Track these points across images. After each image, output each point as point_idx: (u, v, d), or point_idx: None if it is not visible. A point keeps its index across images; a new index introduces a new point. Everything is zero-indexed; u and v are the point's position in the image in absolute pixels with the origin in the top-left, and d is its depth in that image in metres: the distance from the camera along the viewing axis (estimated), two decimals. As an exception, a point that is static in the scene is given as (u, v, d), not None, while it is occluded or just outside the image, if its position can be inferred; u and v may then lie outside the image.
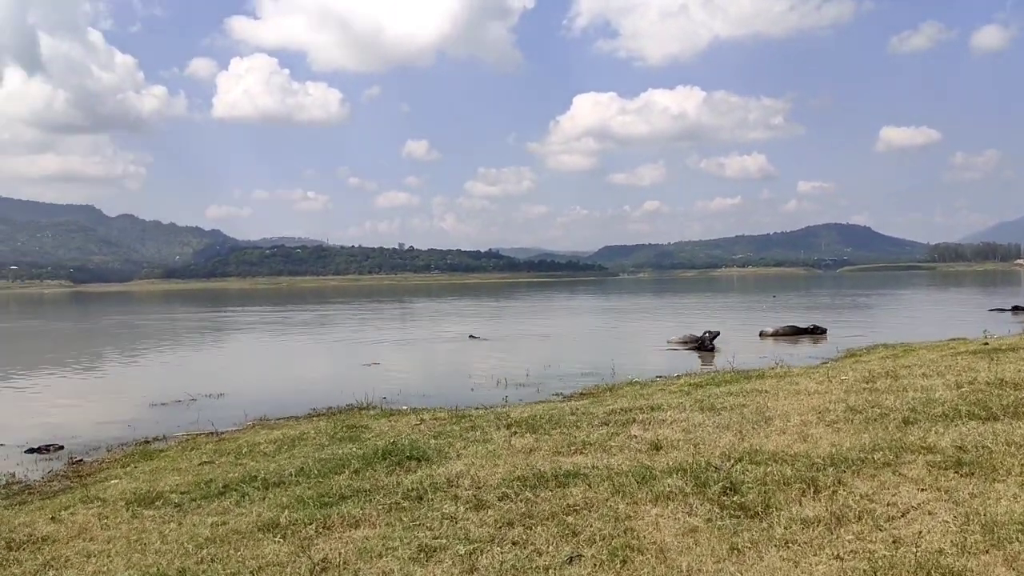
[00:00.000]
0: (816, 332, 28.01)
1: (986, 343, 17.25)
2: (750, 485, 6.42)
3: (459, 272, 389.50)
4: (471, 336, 30.74)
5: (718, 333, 24.68)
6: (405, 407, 13.64)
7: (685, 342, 25.14)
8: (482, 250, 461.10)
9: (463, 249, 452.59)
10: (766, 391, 11.86)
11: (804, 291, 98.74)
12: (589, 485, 6.84)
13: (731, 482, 6.46)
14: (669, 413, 10.32)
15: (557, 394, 15.33)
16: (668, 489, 6.46)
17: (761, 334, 28.50)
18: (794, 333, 28.04)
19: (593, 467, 7.43)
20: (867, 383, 11.81)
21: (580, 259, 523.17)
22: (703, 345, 23.88)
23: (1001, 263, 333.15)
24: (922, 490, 6.13)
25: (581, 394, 15.12)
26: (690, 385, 14.07)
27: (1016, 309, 37.54)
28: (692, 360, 21.28)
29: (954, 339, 21.02)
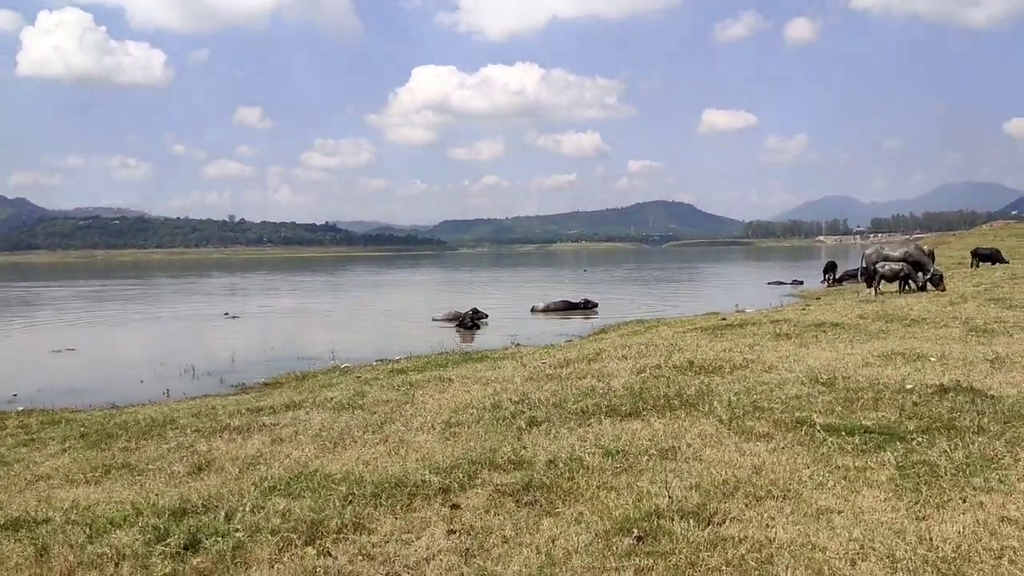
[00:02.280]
0: (587, 307, 27.43)
1: (724, 319, 16.76)
2: (231, 537, 4.57)
3: (294, 246, 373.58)
4: (226, 314, 27.80)
5: (486, 315, 23.32)
6: (19, 409, 10.94)
7: (449, 319, 23.57)
8: (318, 223, 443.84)
9: (299, 222, 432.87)
10: (450, 379, 10.29)
11: (622, 265, 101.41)
12: (34, 541, 4.76)
13: (193, 537, 4.57)
14: (301, 412, 8.47)
15: (238, 385, 13.10)
16: (110, 551, 4.50)
17: (532, 309, 27.48)
18: (566, 308, 27.16)
19: (72, 507, 5.37)
20: (559, 367, 10.53)
21: (419, 233, 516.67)
22: (463, 323, 22.42)
23: (805, 239, 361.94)
24: (452, 532, 4.54)
25: (265, 384, 13.01)
26: (390, 372, 12.33)
27: (795, 282, 39.14)
28: (446, 338, 19.63)
29: (709, 313, 20.69)
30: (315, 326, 26.05)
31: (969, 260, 34.89)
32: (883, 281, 21.73)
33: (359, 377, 12.22)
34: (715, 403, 7.26)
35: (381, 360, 14.95)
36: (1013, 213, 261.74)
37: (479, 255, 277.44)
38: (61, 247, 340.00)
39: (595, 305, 27.55)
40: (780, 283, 39.59)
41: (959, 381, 7.56)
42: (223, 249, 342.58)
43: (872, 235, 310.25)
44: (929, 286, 20.69)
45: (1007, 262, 33.54)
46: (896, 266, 21.28)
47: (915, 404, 6.87)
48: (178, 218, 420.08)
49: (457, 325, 22.48)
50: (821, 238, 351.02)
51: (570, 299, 28.09)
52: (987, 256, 34.17)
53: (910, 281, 21.04)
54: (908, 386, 7.55)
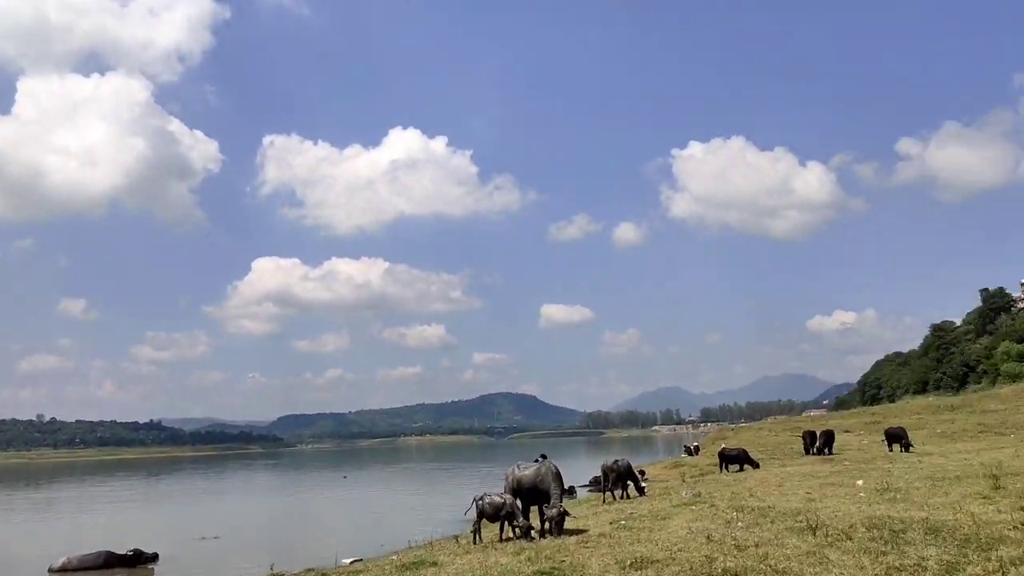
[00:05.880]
0: (137, 562, 21.24)
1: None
2: None
3: (111, 447, 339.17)
4: None
5: None
6: None
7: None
8: (141, 421, 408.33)
9: (119, 420, 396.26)
10: None
11: (419, 465, 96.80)
12: None
13: None
14: None
15: None
16: None
17: (50, 569, 20.74)
18: (100, 566, 20.66)
19: None
20: None
21: (256, 429, 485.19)
22: None
23: (642, 429, 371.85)
24: None
25: None
26: None
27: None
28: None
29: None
30: None
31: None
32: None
33: None
34: None
35: None
36: (824, 402, 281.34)
37: (317, 453, 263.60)
38: None
39: (152, 559, 21.70)
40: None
41: None
42: (26, 453, 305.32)
43: (703, 424, 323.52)
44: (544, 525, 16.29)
45: (756, 465, 31.54)
46: (499, 500, 16.91)
47: None
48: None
49: None
50: (657, 427, 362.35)
51: (114, 551, 21.72)
52: (733, 458, 32.51)
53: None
54: None
